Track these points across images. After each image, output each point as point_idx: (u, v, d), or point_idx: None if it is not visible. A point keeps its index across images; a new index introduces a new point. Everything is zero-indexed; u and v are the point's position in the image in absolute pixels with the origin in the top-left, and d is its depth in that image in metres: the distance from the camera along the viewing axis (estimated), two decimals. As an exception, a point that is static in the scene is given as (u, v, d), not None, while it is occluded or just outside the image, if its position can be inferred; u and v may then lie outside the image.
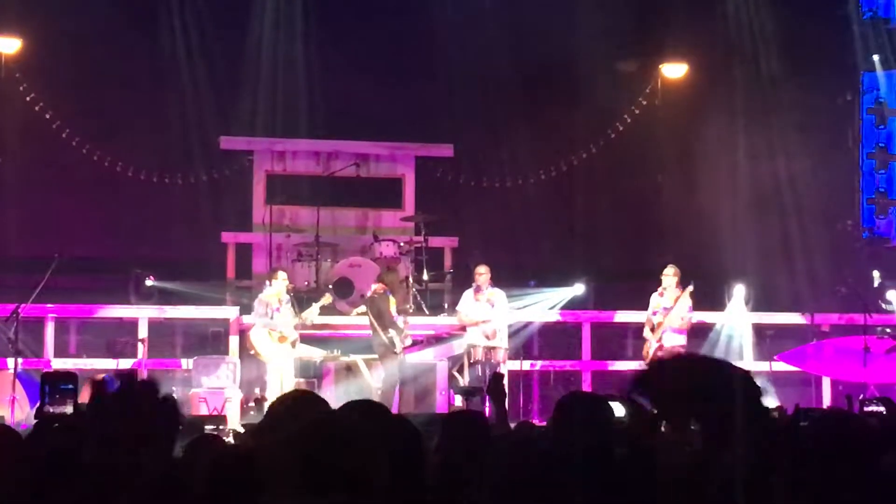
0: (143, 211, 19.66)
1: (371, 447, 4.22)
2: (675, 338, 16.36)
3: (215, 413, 15.25)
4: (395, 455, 4.31)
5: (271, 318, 16.01)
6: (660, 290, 16.70)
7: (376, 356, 15.99)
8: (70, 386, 6.98)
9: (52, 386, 7.07)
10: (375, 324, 15.74)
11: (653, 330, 16.54)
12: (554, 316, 18.31)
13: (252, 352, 16.27)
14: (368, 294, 16.24)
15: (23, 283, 16.29)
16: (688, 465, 5.03)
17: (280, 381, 15.86)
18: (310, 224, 18.39)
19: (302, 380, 16.28)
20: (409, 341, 16.08)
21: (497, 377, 7.72)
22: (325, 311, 16.34)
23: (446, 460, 5.59)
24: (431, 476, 4.97)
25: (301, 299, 16.61)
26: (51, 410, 7.03)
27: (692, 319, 16.67)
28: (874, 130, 21.41)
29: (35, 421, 6.85)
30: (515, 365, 17.17)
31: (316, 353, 16.60)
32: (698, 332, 18.50)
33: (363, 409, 4.89)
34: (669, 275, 16.56)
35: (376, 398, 15.35)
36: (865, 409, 14.37)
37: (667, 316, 16.39)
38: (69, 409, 6.99)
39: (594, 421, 4.93)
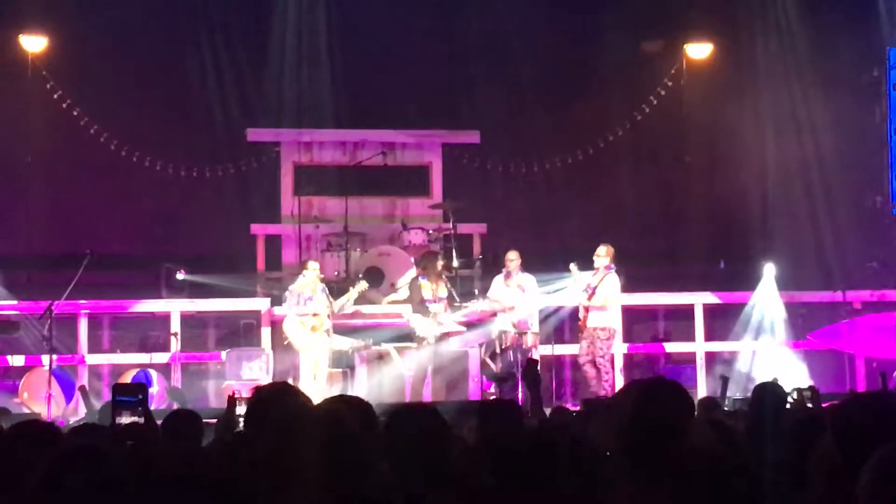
0: (172, 205, 19.74)
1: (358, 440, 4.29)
2: (597, 317, 16.25)
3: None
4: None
5: (300, 304, 16.04)
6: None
7: (407, 344, 16.02)
8: (139, 397, 7.00)
9: (122, 396, 7.09)
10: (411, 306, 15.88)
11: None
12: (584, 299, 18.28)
13: (286, 342, 16.31)
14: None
15: (54, 281, 16.38)
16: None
17: (314, 372, 15.90)
18: (338, 214, 18.42)
19: (335, 369, 16.32)
20: (441, 329, 16.03)
21: (532, 363, 7.73)
22: (356, 300, 16.35)
23: (482, 446, 5.61)
24: (461, 461, 5.01)
25: (332, 289, 16.62)
26: (123, 423, 7.04)
27: (613, 301, 16.41)
28: (901, 106, 21.28)
29: (111, 435, 6.89)
30: (547, 350, 17.16)
31: (347, 343, 16.63)
32: (731, 312, 18.51)
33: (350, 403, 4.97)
34: (602, 255, 16.38)
35: (407, 385, 15.42)
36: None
37: (592, 297, 16.25)
38: (139, 420, 7.02)
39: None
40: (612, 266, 16.39)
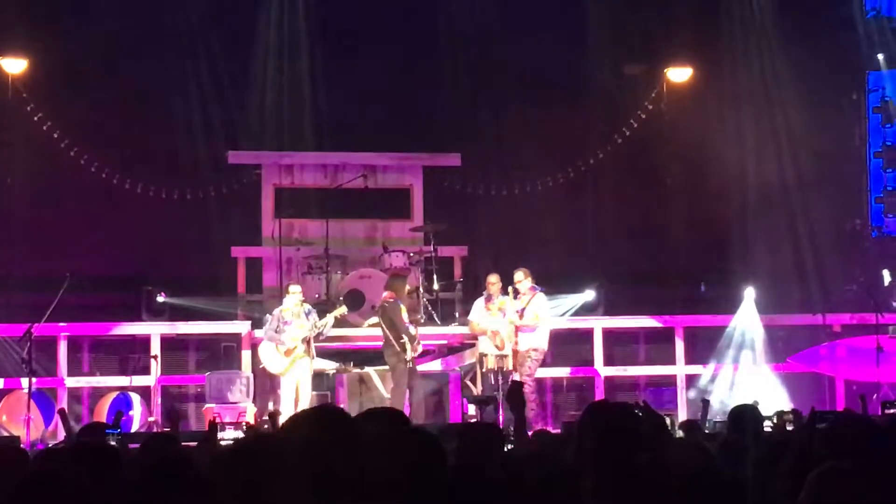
0: (153, 227, 19.67)
1: (386, 455, 4.26)
2: (528, 338, 16.24)
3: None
4: (411, 464, 4.34)
5: (278, 331, 16.01)
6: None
7: (388, 367, 15.97)
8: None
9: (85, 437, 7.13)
10: (388, 333, 15.69)
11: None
12: (565, 322, 18.31)
13: (261, 366, 16.31)
14: (378, 304, 16.22)
15: (34, 303, 16.34)
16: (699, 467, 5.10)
17: (294, 395, 15.88)
18: (319, 237, 18.41)
19: (315, 392, 16.29)
20: (420, 350, 16.05)
21: (516, 386, 7.69)
22: (337, 323, 16.32)
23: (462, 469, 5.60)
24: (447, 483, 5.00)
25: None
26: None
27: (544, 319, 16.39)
28: (881, 129, 21.43)
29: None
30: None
31: (328, 366, 16.60)
32: (712, 335, 18.56)
33: (381, 418, 4.91)
34: (522, 279, 16.30)
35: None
36: (888, 410, 14.43)
37: (521, 317, 16.24)
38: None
39: (620, 429, 4.96)
40: (538, 287, 16.38)
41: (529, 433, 8.53)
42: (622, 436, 4.82)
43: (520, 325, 16.22)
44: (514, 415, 7.66)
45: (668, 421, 12.15)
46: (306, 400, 15.82)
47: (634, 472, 4.71)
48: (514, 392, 7.58)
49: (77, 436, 11.68)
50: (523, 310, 16.26)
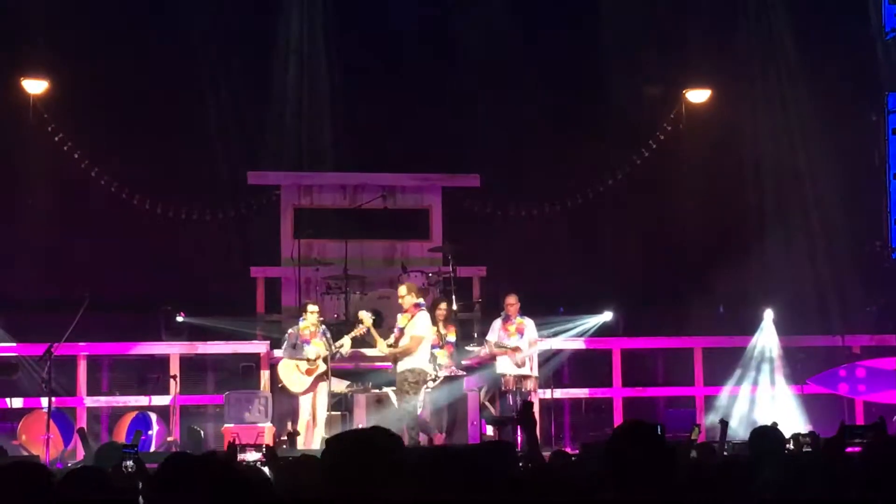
0: (173, 248, 19.75)
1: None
2: (405, 361, 15.73)
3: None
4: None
5: (295, 348, 16.05)
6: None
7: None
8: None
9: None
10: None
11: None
12: (583, 343, 18.31)
13: (280, 385, 16.32)
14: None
15: (54, 323, 16.36)
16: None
17: (311, 414, 15.89)
18: (338, 257, 18.42)
19: (334, 412, 16.29)
20: (440, 373, 16.05)
21: (527, 405, 7.68)
22: (356, 343, 16.31)
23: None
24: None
25: (332, 331, 16.60)
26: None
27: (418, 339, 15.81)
28: (900, 150, 21.34)
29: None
30: (546, 393, 17.17)
31: (346, 386, 16.61)
32: (731, 356, 18.53)
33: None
34: (404, 294, 15.89)
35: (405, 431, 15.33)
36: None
37: (398, 339, 15.84)
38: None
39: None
40: (423, 304, 15.95)
41: (546, 454, 8.53)
42: (656, 452, 4.87)
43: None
44: (525, 435, 7.66)
45: (693, 433, 12.22)
46: (323, 419, 15.83)
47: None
48: (525, 411, 7.57)
49: (96, 455, 11.73)
50: (403, 329, 16.03)
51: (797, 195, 20.62)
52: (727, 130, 20.75)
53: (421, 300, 15.92)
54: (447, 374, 16.12)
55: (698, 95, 20.98)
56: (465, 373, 16.42)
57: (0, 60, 19.28)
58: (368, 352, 17.00)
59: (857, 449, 8.13)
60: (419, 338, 15.54)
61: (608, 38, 20.65)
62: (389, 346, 15.83)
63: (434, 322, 16.17)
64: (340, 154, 20.31)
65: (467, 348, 17.05)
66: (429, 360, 15.80)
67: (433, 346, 16.15)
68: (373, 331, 15.84)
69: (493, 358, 16.71)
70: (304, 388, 16.02)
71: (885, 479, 4.84)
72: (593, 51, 20.77)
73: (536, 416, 7.76)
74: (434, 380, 15.82)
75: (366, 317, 15.97)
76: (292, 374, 16.08)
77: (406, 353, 15.54)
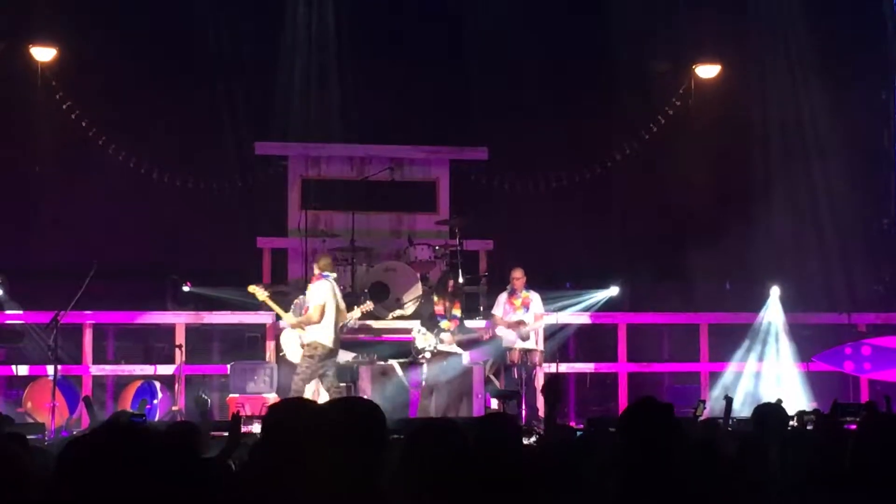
0: (179, 216, 19.73)
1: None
2: (308, 331, 15.65)
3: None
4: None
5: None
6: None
7: (409, 359, 16.03)
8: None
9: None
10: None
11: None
12: (589, 318, 18.32)
13: (282, 354, 16.33)
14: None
15: (60, 291, 16.37)
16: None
17: (316, 385, 15.90)
18: (345, 228, 18.40)
19: (339, 383, 16.30)
20: (441, 346, 16.10)
21: (555, 379, 7.67)
22: (361, 315, 16.34)
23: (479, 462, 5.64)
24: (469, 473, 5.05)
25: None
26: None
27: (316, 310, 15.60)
28: (909, 129, 21.30)
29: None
30: (552, 367, 17.17)
31: (352, 357, 16.63)
32: (737, 332, 18.54)
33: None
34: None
35: (413, 400, 15.38)
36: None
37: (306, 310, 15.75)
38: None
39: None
40: (327, 274, 15.66)
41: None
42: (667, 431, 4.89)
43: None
44: (547, 409, 7.62)
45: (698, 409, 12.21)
46: (328, 390, 15.84)
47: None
48: (553, 386, 7.52)
49: (102, 425, 11.76)
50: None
51: (805, 172, 20.57)
52: (736, 106, 20.69)
53: (327, 272, 15.71)
54: (444, 349, 16.14)
55: (708, 71, 20.94)
56: (461, 350, 16.42)
57: (9, 27, 19.25)
58: (375, 324, 17.03)
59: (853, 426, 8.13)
60: (318, 306, 15.40)
61: (618, 11, 20.57)
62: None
63: (443, 296, 16.23)
64: (348, 125, 20.27)
65: (466, 323, 17.06)
66: (417, 331, 15.94)
67: (439, 316, 16.21)
68: (271, 303, 15.89)
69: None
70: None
71: (872, 457, 4.85)
72: (602, 24, 20.70)
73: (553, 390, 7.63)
74: (433, 352, 15.88)
75: (258, 291, 16.09)
76: (294, 345, 16.08)
77: (308, 321, 15.47)
